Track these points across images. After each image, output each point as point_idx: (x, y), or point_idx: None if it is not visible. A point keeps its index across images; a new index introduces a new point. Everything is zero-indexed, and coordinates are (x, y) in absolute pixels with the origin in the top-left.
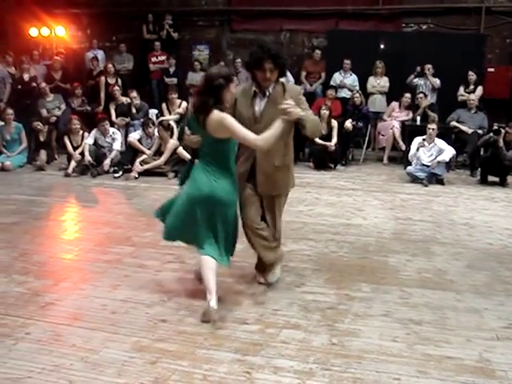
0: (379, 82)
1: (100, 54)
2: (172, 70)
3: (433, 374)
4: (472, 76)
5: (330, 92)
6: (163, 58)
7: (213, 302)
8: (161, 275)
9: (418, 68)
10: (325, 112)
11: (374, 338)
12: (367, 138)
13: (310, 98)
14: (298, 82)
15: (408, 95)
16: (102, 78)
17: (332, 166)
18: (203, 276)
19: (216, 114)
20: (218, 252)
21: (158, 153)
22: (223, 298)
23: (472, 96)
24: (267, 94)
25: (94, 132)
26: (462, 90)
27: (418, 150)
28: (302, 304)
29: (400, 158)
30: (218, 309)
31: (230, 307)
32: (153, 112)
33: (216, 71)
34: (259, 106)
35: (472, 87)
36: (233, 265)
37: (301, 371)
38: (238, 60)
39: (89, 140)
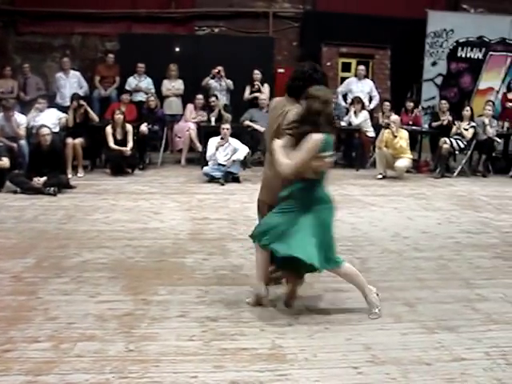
0: (174, 85)
1: None
2: None
3: (229, 366)
4: (257, 75)
5: (125, 96)
6: None
7: None
8: None
9: (214, 70)
10: (119, 117)
11: (171, 339)
12: (164, 141)
13: (105, 103)
14: (91, 87)
15: (200, 96)
16: None
17: (129, 170)
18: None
19: None
20: None
21: None
22: (13, 317)
23: (262, 96)
24: None
25: None
26: (248, 90)
27: (217, 149)
28: (98, 314)
29: (197, 159)
30: None
31: (19, 326)
32: None
33: None
34: None
35: (257, 86)
36: (24, 281)
37: (96, 383)
38: (26, 65)
39: None
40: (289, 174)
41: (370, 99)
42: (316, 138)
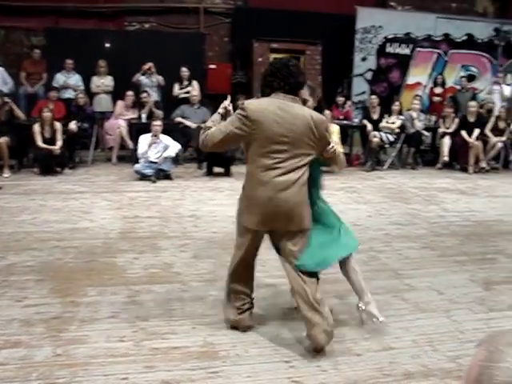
0: (103, 82)
1: None
2: None
3: (160, 366)
4: (185, 73)
5: (53, 93)
6: None
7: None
8: None
9: (145, 66)
10: (47, 114)
11: (101, 341)
12: (94, 139)
13: (32, 100)
14: (17, 83)
15: (131, 93)
16: None
17: (59, 169)
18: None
19: None
20: None
21: None
22: None
23: (194, 92)
24: None
25: None
26: (176, 87)
27: (149, 147)
28: (24, 319)
29: (129, 157)
30: None
31: None
32: None
33: None
34: None
35: (186, 83)
36: None
37: None
38: None
39: None
40: None
41: None
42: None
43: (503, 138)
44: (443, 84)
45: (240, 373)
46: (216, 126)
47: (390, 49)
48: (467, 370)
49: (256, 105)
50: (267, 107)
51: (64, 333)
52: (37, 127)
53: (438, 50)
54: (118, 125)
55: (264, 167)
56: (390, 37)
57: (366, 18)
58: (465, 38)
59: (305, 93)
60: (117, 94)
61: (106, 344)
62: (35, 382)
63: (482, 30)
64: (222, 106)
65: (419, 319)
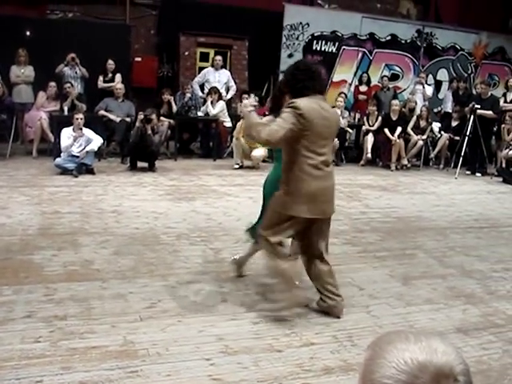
0: (23, 72)
1: None
2: None
3: (77, 367)
4: (111, 65)
5: None
6: None
7: None
8: None
9: (69, 57)
10: None
11: (16, 342)
12: (13, 131)
13: None
14: None
15: (53, 84)
16: None
17: None
18: None
19: None
20: None
21: None
22: None
23: (118, 85)
24: None
25: None
26: (101, 78)
27: (75, 140)
28: None
29: (50, 150)
30: None
31: None
32: None
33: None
34: None
35: (111, 75)
36: None
37: None
38: None
39: None
40: None
41: (228, 89)
42: None
43: (424, 137)
44: (368, 82)
45: (160, 371)
46: (271, 123)
47: (316, 46)
48: (359, 368)
49: (305, 104)
50: (313, 106)
51: None
52: None
53: (363, 49)
54: (38, 117)
55: (315, 160)
56: (316, 34)
57: (293, 14)
58: (389, 38)
59: None
60: (38, 85)
61: (21, 345)
62: None
63: (406, 30)
64: (248, 104)
65: None
